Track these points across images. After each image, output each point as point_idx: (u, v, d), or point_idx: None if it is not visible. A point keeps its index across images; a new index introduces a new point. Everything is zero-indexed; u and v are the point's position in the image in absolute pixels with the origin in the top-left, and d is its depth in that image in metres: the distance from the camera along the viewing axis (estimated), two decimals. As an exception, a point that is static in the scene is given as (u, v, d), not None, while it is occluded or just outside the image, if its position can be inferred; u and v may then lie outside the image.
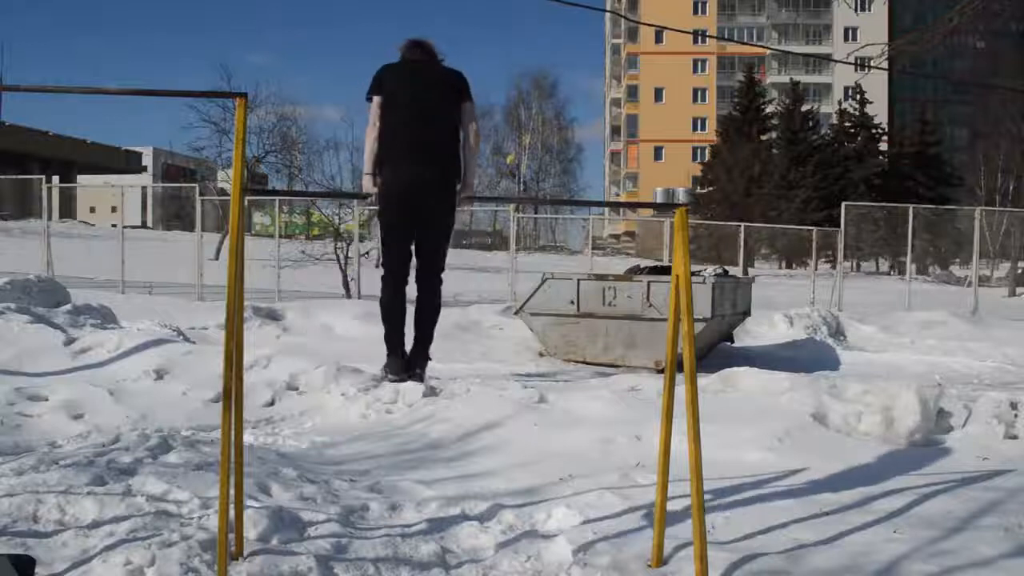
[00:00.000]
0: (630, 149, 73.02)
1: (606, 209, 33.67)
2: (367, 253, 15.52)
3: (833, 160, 47.71)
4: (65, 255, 16.82)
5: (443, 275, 5.15)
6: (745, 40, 65.23)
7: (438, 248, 5.10)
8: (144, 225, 46.88)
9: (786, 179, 45.73)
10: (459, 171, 4.92)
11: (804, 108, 50.86)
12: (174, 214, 43.68)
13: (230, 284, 2.30)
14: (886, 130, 54.06)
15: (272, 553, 2.41)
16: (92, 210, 51.91)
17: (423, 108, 4.81)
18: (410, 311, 5.13)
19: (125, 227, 16.99)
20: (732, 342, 8.16)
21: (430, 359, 5.16)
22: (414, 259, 5.09)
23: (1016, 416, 3.96)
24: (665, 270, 7.53)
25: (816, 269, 19.00)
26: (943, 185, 46.12)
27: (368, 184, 4.87)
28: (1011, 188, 34.73)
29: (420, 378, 4.93)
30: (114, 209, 21.75)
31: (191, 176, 39.00)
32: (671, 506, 2.53)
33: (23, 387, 4.44)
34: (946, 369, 7.73)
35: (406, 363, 5.03)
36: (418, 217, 4.89)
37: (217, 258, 19.95)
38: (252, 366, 4.81)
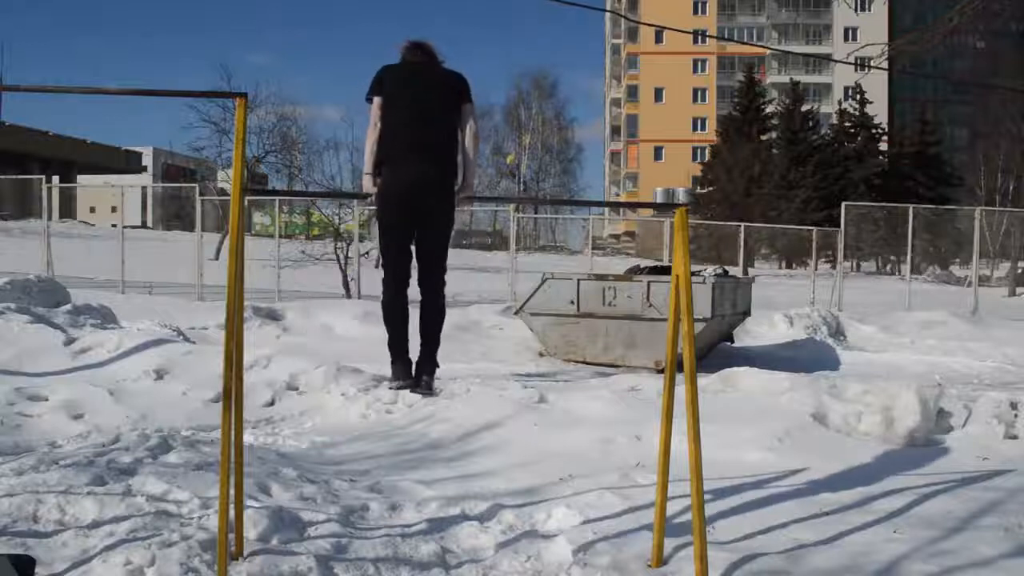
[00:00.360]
0: (630, 149, 73.02)
1: (606, 209, 33.65)
2: (367, 253, 15.51)
3: (833, 160, 47.71)
4: (65, 255, 16.81)
5: (445, 275, 5.13)
6: (745, 40, 65.25)
7: (438, 248, 5.06)
8: (144, 225, 46.89)
9: (786, 179, 45.73)
10: (458, 172, 4.91)
11: (804, 108, 50.86)
12: (174, 214, 43.70)
13: (230, 284, 2.30)
14: (886, 130, 54.06)
15: (272, 553, 2.40)
16: (92, 210, 51.91)
17: (423, 109, 4.80)
18: (414, 315, 5.06)
19: (125, 227, 16.97)
20: (732, 342, 8.16)
21: (438, 365, 5.00)
22: (415, 260, 5.07)
23: (1016, 416, 3.96)
24: (665, 270, 7.53)
25: (816, 269, 18.99)
26: (943, 185, 46.12)
27: (368, 184, 4.86)
28: (1011, 188, 34.73)
29: (428, 386, 4.80)
30: (114, 209, 21.75)
31: (191, 176, 38.99)
32: (671, 506, 2.53)
33: (23, 387, 4.44)
34: (946, 369, 7.74)
35: (412, 369, 4.91)
36: (417, 217, 4.87)
37: (217, 258, 19.95)
38: (252, 366, 4.81)
